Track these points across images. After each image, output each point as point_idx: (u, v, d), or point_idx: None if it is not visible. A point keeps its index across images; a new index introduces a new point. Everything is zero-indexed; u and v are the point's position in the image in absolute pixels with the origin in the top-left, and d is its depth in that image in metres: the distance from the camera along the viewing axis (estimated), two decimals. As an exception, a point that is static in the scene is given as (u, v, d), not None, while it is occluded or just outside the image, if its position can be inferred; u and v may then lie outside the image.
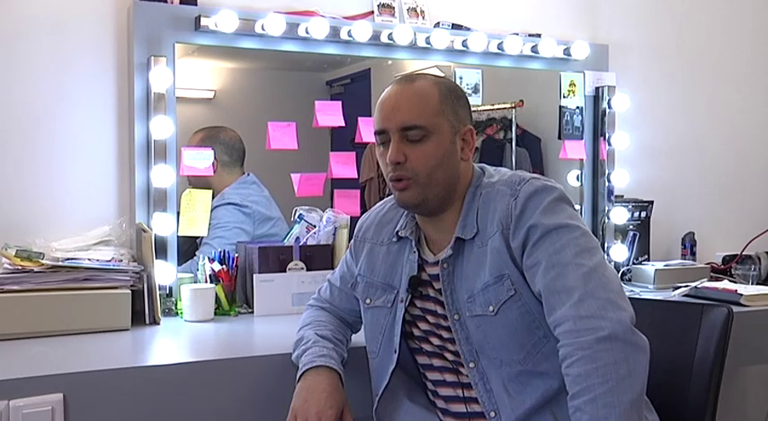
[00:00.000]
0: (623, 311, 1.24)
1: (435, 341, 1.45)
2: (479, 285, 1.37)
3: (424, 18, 2.45)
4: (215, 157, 2.26)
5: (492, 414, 1.36)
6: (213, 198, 2.32)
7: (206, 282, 2.04)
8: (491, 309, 1.35)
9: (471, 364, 1.38)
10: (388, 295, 1.49)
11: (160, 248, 2.03)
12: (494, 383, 1.36)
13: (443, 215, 1.44)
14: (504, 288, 1.34)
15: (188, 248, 2.22)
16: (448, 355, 1.44)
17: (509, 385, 1.35)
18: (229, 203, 2.30)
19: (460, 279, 1.40)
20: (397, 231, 1.51)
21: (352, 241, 1.62)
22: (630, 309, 1.26)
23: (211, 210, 2.24)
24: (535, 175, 1.41)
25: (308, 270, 2.08)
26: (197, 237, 2.22)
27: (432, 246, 1.47)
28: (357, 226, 1.62)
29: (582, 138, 2.67)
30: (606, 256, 2.61)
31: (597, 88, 2.69)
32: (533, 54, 2.55)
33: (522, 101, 2.73)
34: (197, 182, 2.21)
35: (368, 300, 1.53)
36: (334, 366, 1.44)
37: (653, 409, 1.44)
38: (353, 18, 2.34)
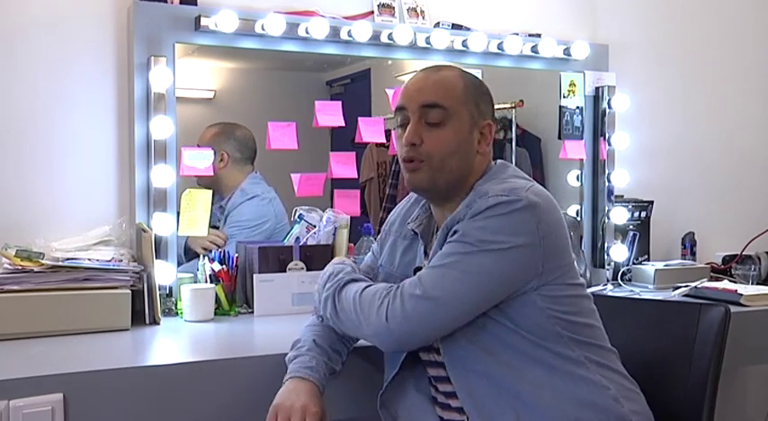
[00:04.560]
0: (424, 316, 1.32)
1: None
2: None
3: (424, 18, 2.45)
4: (226, 153, 2.29)
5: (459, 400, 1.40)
6: (224, 196, 2.34)
7: (206, 282, 2.04)
8: None
9: (445, 358, 1.40)
10: None
11: (160, 248, 2.03)
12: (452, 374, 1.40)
13: (451, 204, 1.45)
14: None
15: (190, 249, 2.22)
16: (437, 356, 1.45)
17: (463, 375, 1.38)
18: (253, 196, 2.33)
19: None
20: (408, 224, 1.54)
21: (380, 235, 1.67)
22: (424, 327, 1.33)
23: (234, 208, 2.29)
24: (503, 191, 1.36)
25: (307, 270, 2.08)
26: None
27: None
28: (386, 221, 1.66)
29: (582, 138, 2.67)
30: (606, 256, 2.62)
31: (597, 88, 2.69)
32: (533, 54, 2.55)
33: (522, 101, 2.73)
34: (204, 178, 2.20)
35: None
36: (316, 382, 1.43)
37: (639, 399, 1.43)
38: (353, 18, 2.34)
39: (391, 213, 1.66)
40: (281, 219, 2.34)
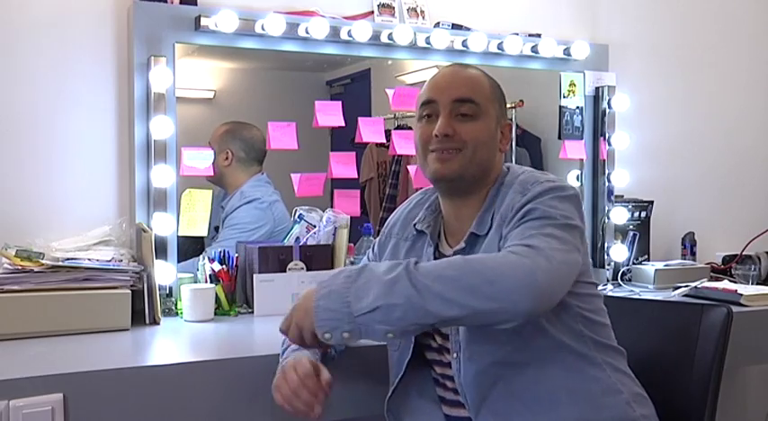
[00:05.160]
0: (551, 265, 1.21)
1: (439, 339, 1.46)
2: None
3: (424, 18, 2.45)
4: (231, 152, 2.30)
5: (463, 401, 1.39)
6: (227, 195, 2.34)
7: (206, 282, 2.04)
8: None
9: (454, 355, 1.40)
10: None
11: (160, 248, 2.03)
12: (467, 376, 1.38)
13: (468, 200, 1.45)
14: None
15: (193, 249, 2.22)
16: (449, 356, 1.45)
17: (479, 377, 1.37)
18: (251, 200, 2.31)
19: None
20: (415, 224, 1.53)
21: (378, 238, 1.65)
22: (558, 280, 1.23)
23: (233, 211, 2.28)
24: (551, 178, 1.40)
25: (308, 270, 2.08)
26: (202, 237, 2.23)
27: (450, 238, 1.50)
28: (385, 224, 1.65)
29: (582, 139, 2.67)
30: (606, 256, 2.62)
31: (597, 88, 2.69)
32: (533, 54, 2.55)
33: (522, 101, 2.73)
34: (210, 177, 2.22)
35: None
36: (308, 355, 1.42)
37: (649, 402, 1.44)
38: (353, 18, 2.34)
39: (390, 216, 1.65)
40: (281, 222, 2.33)
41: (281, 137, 2.22)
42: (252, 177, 2.37)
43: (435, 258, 1.48)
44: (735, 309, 1.63)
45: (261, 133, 2.35)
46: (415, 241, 1.53)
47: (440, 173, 1.44)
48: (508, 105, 2.68)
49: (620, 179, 2.71)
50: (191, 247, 2.21)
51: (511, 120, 1.53)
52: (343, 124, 2.29)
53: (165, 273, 2.02)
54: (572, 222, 1.33)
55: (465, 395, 1.39)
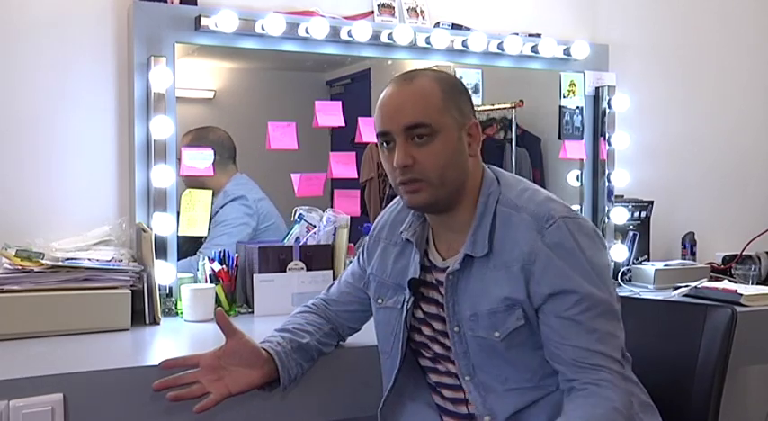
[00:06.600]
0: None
1: (437, 347, 1.44)
2: (485, 307, 1.35)
3: (424, 18, 2.45)
4: None
5: (486, 418, 1.36)
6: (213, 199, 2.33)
7: (206, 282, 2.04)
8: (497, 334, 1.33)
9: (467, 377, 1.39)
10: (398, 296, 1.47)
11: (160, 248, 2.03)
12: (489, 392, 1.37)
13: (453, 213, 1.40)
14: (514, 317, 1.33)
15: (189, 248, 2.22)
16: (450, 365, 1.43)
17: (505, 393, 1.36)
18: (236, 198, 2.31)
19: (465, 293, 1.38)
20: (401, 232, 1.49)
21: (366, 240, 1.61)
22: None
23: (219, 209, 2.27)
24: (562, 211, 1.35)
25: (308, 270, 2.08)
26: (200, 237, 2.22)
27: (440, 247, 1.45)
28: (373, 226, 1.61)
29: (582, 138, 2.67)
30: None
31: (597, 88, 2.69)
32: (533, 54, 2.55)
33: (522, 101, 2.73)
34: (190, 182, 2.19)
35: (380, 300, 1.51)
36: (266, 347, 1.47)
37: (656, 412, 1.44)
38: (353, 18, 2.34)
39: (378, 218, 1.61)
40: (267, 219, 2.33)
41: (281, 137, 2.22)
42: (232, 177, 2.36)
43: (422, 267, 1.44)
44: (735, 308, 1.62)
45: (224, 132, 2.35)
46: (404, 248, 1.49)
47: (412, 204, 1.39)
48: (508, 105, 2.71)
49: (620, 179, 2.70)
50: (183, 247, 2.20)
51: (476, 115, 1.43)
52: (343, 124, 2.29)
53: (165, 273, 2.02)
54: (609, 286, 1.34)
55: (480, 413, 1.38)
